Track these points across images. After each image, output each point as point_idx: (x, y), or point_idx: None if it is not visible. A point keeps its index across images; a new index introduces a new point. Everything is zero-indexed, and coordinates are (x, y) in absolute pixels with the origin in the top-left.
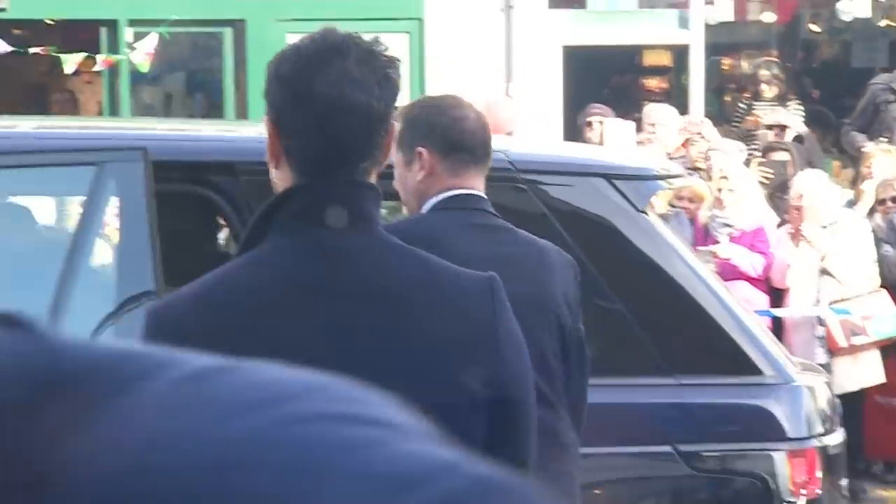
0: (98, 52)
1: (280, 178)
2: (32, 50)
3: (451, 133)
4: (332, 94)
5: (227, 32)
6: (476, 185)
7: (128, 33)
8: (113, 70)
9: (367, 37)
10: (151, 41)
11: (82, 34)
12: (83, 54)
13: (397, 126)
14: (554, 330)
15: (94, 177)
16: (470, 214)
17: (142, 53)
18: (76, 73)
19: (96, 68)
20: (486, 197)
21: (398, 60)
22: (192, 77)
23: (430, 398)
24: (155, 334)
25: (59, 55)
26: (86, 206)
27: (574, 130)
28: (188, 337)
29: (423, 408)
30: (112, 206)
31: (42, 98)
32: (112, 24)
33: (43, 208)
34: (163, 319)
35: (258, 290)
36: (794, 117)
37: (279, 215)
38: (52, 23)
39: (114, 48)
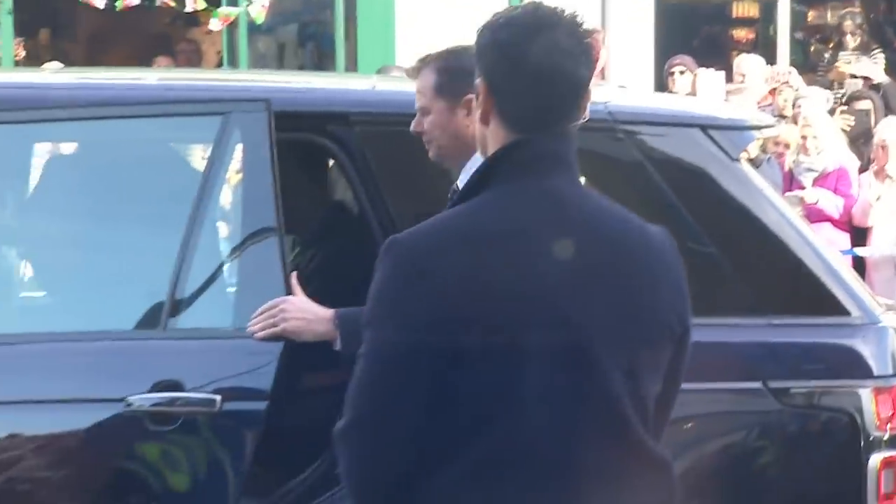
0: (219, 5)
1: (491, 134)
2: (158, 2)
3: None
4: (547, 62)
5: None
6: None
7: None
8: (232, 25)
9: (569, 10)
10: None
11: None
12: (208, 8)
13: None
14: None
15: (220, 126)
16: None
17: (257, 7)
18: (197, 24)
19: (213, 25)
20: None
21: (595, 31)
22: (303, 29)
23: (650, 338)
24: (398, 262)
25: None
26: (213, 152)
27: (662, 80)
28: (429, 268)
29: (641, 346)
30: (237, 153)
31: (167, 48)
32: None
33: (173, 154)
34: (408, 249)
35: (494, 229)
36: (876, 67)
37: (502, 166)
38: None
39: (232, 2)
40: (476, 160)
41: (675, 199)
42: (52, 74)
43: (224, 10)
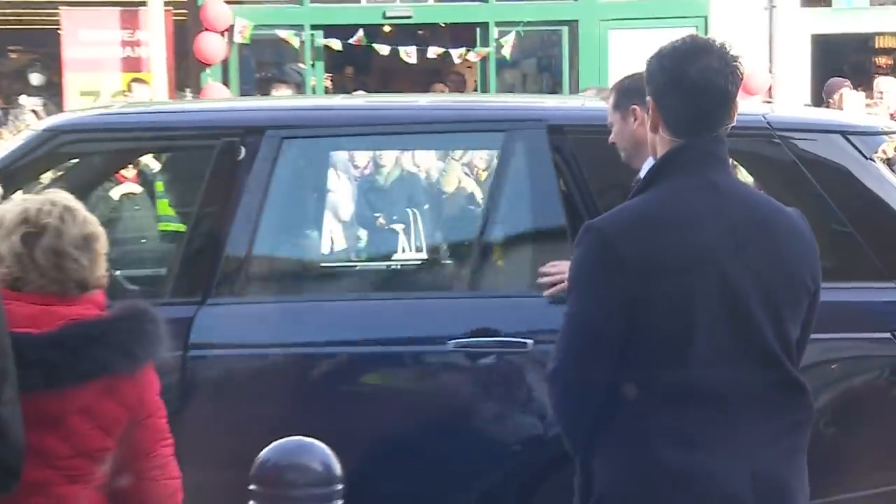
0: (475, 46)
1: (659, 140)
2: (432, 49)
3: None
4: (701, 80)
5: (565, 30)
6: None
7: (495, 31)
8: (484, 59)
9: (720, 40)
10: (511, 37)
11: (464, 33)
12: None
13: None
14: None
15: (504, 140)
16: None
17: (506, 47)
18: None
19: (471, 57)
20: None
21: (741, 56)
22: (539, 63)
23: (791, 294)
24: (593, 244)
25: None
26: (499, 162)
27: (820, 100)
28: (620, 246)
29: (785, 300)
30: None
31: (437, 80)
32: (485, 26)
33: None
34: (600, 232)
35: (667, 216)
36: None
37: (670, 165)
38: (444, 25)
39: (485, 43)
40: (651, 160)
41: (821, 190)
42: (378, 99)
43: (480, 49)
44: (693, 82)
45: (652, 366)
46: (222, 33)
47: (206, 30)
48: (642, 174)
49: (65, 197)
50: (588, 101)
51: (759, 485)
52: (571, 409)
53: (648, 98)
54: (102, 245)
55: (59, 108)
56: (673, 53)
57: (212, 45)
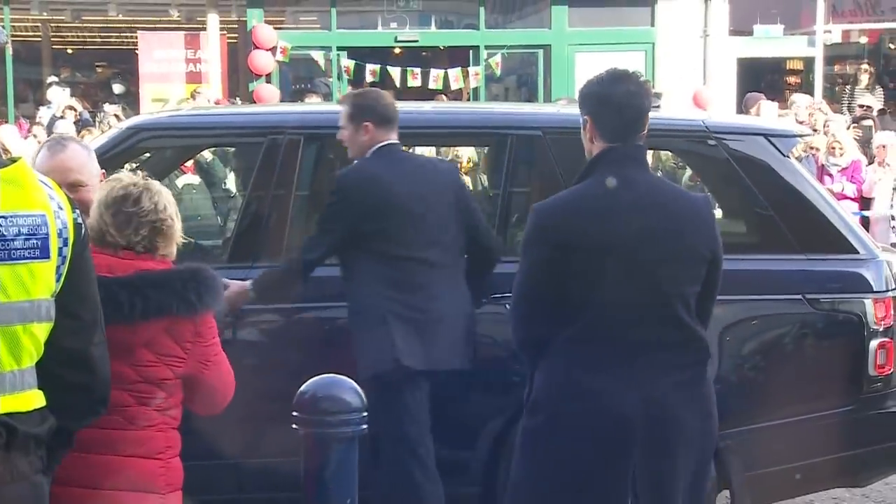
0: (468, 65)
1: (594, 146)
2: (434, 70)
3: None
4: (624, 100)
5: (540, 52)
6: None
7: (484, 53)
8: (474, 75)
9: (634, 71)
10: (498, 58)
11: (460, 54)
12: (460, 68)
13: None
14: None
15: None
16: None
17: (494, 65)
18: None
19: (472, 81)
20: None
21: (650, 83)
22: (519, 79)
23: (689, 260)
24: (536, 218)
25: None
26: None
27: (742, 109)
28: (550, 228)
29: (683, 265)
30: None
31: (437, 91)
32: (476, 49)
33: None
34: (541, 211)
35: (597, 204)
36: (876, 100)
37: (599, 163)
38: (443, 48)
39: (476, 62)
40: None
41: (748, 181)
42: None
43: (472, 68)
44: (617, 102)
45: (573, 312)
46: (269, 51)
47: (257, 48)
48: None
49: (147, 180)
50: (562, 109)
51: (649, 408)
52: (519, 338)
53: (586, 116)
54: (172, 217)
55: (136, 112)
56: (601, 82)
57: (261, 61)
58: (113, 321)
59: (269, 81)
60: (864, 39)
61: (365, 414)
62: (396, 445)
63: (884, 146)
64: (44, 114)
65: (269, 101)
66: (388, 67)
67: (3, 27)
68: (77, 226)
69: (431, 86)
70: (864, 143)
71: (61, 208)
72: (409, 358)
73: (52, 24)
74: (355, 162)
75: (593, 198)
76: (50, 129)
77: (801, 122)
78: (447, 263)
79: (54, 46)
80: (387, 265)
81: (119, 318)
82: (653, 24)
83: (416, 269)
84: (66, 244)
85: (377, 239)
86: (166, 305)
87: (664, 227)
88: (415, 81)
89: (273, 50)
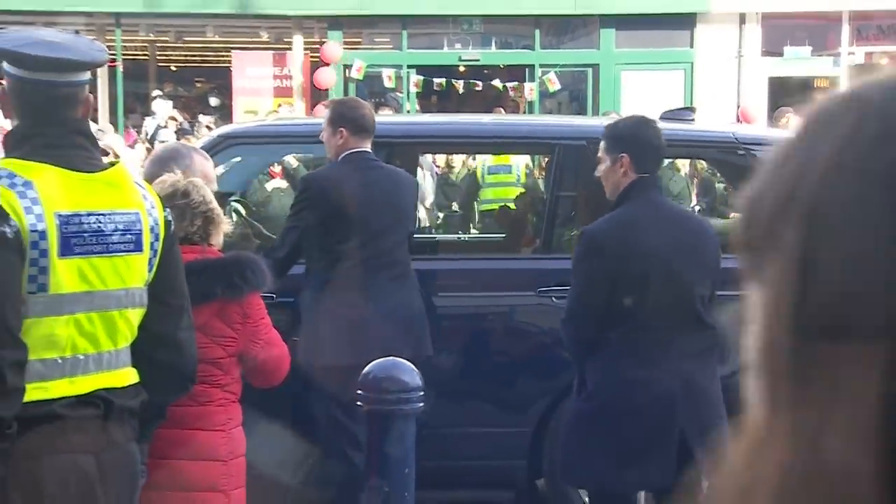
0: (524, 82)
1: (626, 178)
2: (495, 83)
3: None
4: (657, 141)
5: (589, 71)
6: None
7: (539, 71)
8: (530, 91)
9: (653, 116)
10: (553, 76)
11: (517, 72)
12: (517, 84)
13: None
14: None
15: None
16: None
17: (548, 82)
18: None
19: (527, 96)
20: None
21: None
22: (570, 94)
23: (703, 270)
24: (585, 241)
25: (502, 86)
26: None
27: (772, 122)
28: (605, 246)
29: (699, 274)
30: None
31: (496, 105)
32: (531, 67)
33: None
34: (596, 234)
35: (638, 223)
36: None
37: (635, 190)
38: (502, 66)
39: (531, 79)
40: None
41: None
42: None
43: (528, 84)
44: (654, 143)
45: (621, 315)
46: (342, 68)
47: (325, 64)
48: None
49: (198, 181)
50: (606, 122)
51: (686, 387)
52: (571, 342)
53: (623, 154)
54: (217, 207)
55: (229, 123)
56: (635, 126)
57: (325, 76)
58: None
59: (324, 95)
60: (885, 60)
61: (422, 393)
62: (332, 428)
63: None
64: (149, 124)
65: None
66: (453, 82)
67: (107, 48)
68: (167, 223)
69: (491, 98)
70: None
71: (154, 207)
72: (343, 355)
73: (158, 45)
74: (324, 166)
75: (637, 217)
76: (154, 137)
77: None
78: (392, 264)
79: (159, 64)
80: (334, 263)
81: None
82: (692, 46)
83: (360, 268)
84: (157, 239)
85: (330, 239)
86: (211, 291)
87: (687, 241)
88: (476, 96)
89: (347, 67)
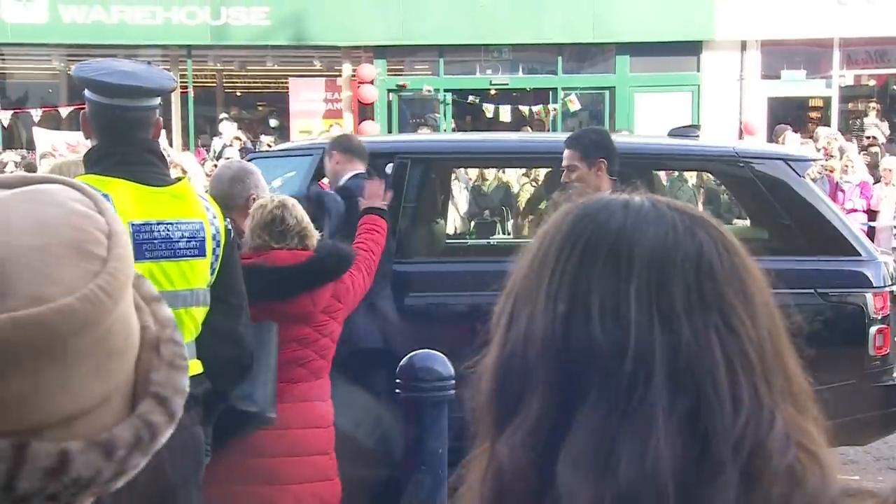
0: (549, 102)
1: (601, 180)
2: (521, 107)
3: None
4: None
5: (606, 93)
6: None
7: (561, 94)
8: (553, 111)
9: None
10: (574, 97)
11: (542, 94)
12: (542, 105)
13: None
14: None
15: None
16: None
17: (569, 103)
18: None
19: (551, 109)
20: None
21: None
22: (589, 114)
23: None
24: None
25: (528, 107)
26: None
27: (771, 140)
28: None
29: None
30: None
31: (524, 125)
32: (554, 90)
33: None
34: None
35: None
36: (882, 132)
37: (616, 192)
38: (529, 90)
39: (555, 101)
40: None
41: (771, 197)
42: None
43: (551, 105)
44: (615, 149)
45: None
46: (385, 91)
47: (361, 83)
48: None
49: (282, 199)
50: (620, 138)
51: None
52: None
53: (602, 159)
54: (308, 222)
55: (286, 142)
56: (607, 136)
57: (367, 92)
58: (300, 292)
59: (389, 118)
60: (872, 82)
61: (453, 381)
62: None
63: (889, 169)
64: (216, 143)
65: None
66: (484, 104)
67: (179, 76)
68: (227, 231)
69: (519, 118)
70: (872, 167)
71: (215, 217)
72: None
73: (225, 73)
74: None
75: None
76: (220, 154)
77: (819, 150)
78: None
79: (226, 90)
80: None
81: (307, 288)
82: (698, 70)
83: None
84: (218, 245)
85: None
86: (329, 278)
87: None
88: (505, 116)
89: (396, 91)
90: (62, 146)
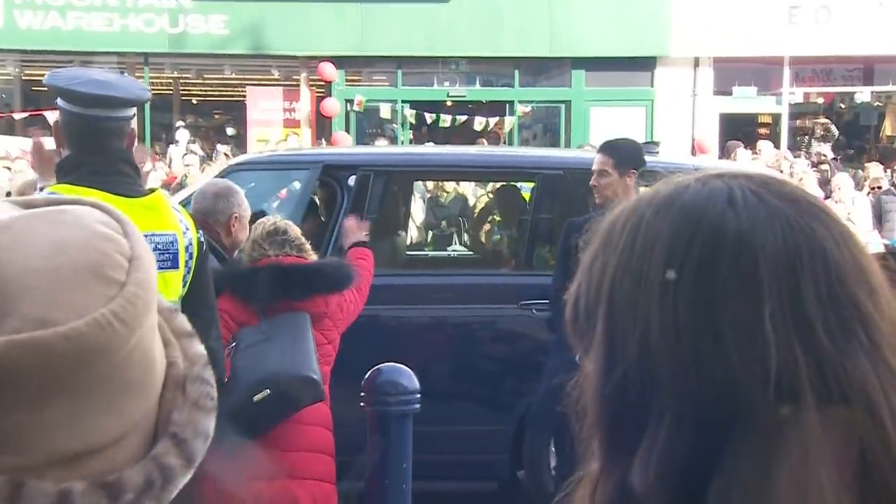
0: (505, 116)
1: (628, 189)
2: (478, 119)
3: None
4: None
5: (562, 106)
6: None
7: (518, 107)
8: (509, 124)
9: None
10: (528, 109)
11: (498, 107)
12: (497, 117)
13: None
14: None
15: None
16: None
17: (522, 114)
18: (489, 127)
19: (507, 127)
20: None
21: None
22: (544, 127)
23: None
24: (566, 229)
25: (484, 118)
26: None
27: (723, 154)
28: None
29: None
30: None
31: (480, 137)
32: (510, 103)
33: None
34: (572, 220)
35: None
36: (829, 148)
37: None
38: (485, 102)
39: (511, 114)
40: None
41: None
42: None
43: (508, 118)
44: (645, 162)
45: None
46: (344, 102)
47: (325, 81)
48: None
49: (291, 223)
50: (581, 153)
51: None
52: (559, 317)
53: (634, 170)
54: (307, 248)
55: (243, 151)
56: (641, 150)
57: (330, 105)
58: (315, 293)
59: (347, 129)
60: (820, 100)
61: (419, 395)
62: None
63: (839, 187)
64: (172, 150)
65: (344, 144)
66: (441, 116)
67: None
68: (200, 243)
69: (476, 130)
70: (823, 184)
71: (188, 229)
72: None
73: (181, 81)
74: None
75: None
76: (172, 161)
77: (769, 167)
78: None
79: (182, 98)
80: None
81: (322, 290)
82: (652, 85)
83: None
84: (191, 258)
85: None
86: (341, 285)
87: None
88: (462, 128)
89: (350, 102)
90: (16, 151)
